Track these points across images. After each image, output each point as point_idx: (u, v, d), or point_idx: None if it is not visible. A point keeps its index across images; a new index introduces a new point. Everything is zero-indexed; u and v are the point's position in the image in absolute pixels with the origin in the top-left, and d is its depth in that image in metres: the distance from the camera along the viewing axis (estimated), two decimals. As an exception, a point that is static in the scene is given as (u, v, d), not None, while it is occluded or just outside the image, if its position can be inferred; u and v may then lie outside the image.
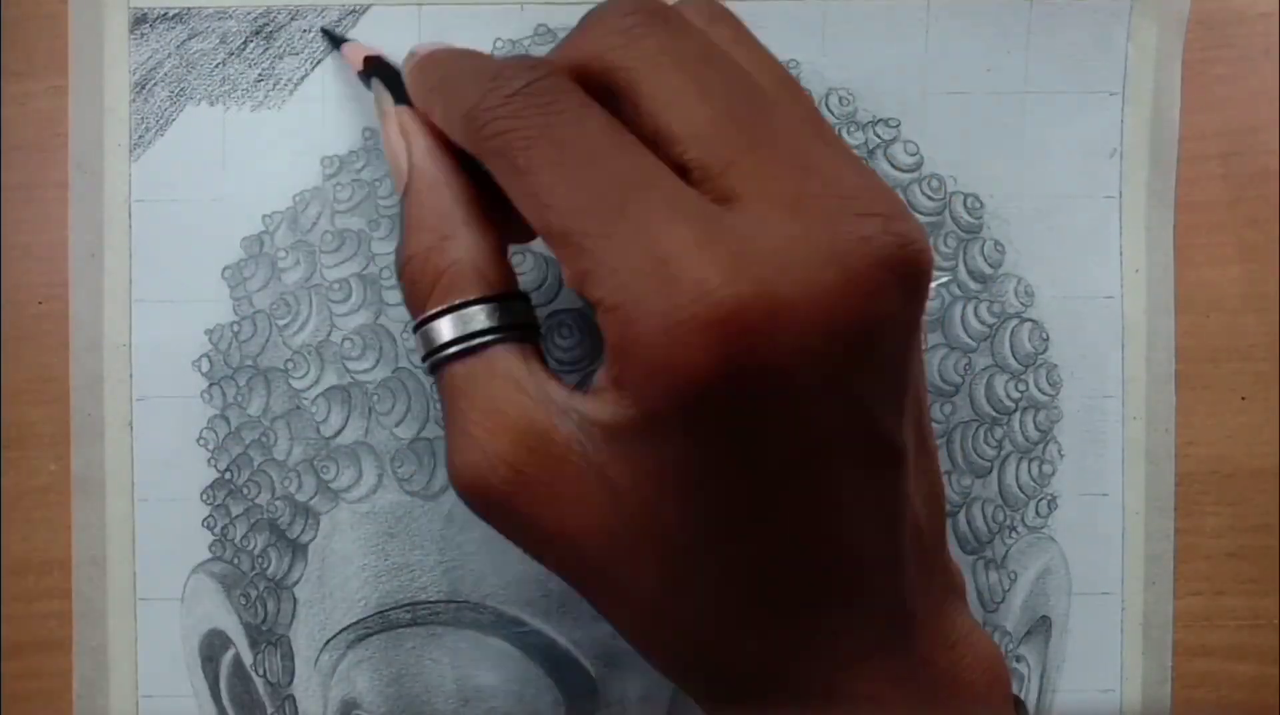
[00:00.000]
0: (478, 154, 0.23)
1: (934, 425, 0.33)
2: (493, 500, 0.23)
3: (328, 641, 0.33)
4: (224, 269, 0.33)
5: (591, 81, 0.22)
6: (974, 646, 0.25)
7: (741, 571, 0.22)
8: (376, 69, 0.29)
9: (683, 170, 0.21)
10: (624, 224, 0.20)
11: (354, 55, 0.31)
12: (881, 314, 0.20)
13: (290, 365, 0.33)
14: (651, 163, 0.21)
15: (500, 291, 0.24)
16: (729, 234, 0.20)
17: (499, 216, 0.25)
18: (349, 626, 0.33)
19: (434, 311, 0.24)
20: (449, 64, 0.26)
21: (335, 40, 0.33)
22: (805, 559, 0.22)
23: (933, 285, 0.33)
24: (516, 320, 0.24)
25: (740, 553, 0.22)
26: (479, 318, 0.24)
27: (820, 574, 0.22)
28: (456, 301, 0.24)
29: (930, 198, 0.34)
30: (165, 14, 0.33)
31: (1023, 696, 0.34)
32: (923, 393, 0.24)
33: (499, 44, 0.34)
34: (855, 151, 0.23)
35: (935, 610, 0.24)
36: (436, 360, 0.24)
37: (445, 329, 0.24)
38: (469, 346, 0.24)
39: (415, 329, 0.25)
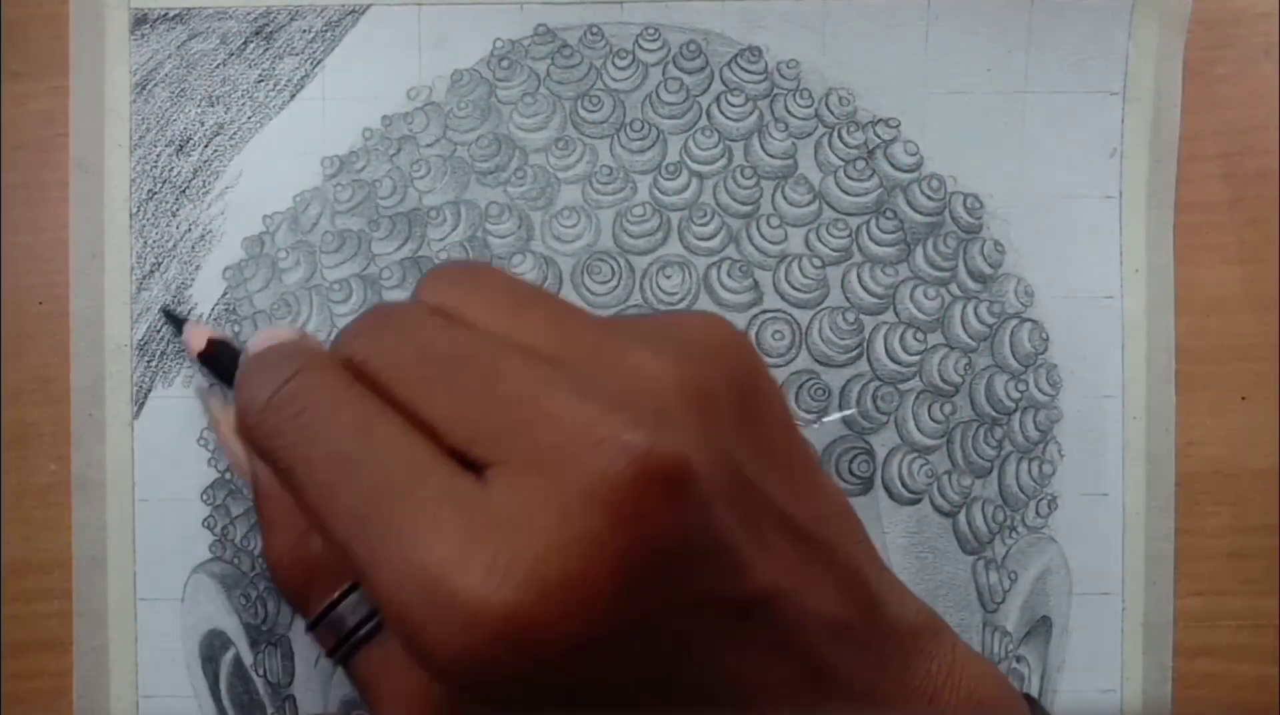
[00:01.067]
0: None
1: (934, 425, 0.33)
2: None
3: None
4: (224, 269, 0.33)
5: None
6: (970, 670, 0.25)
7: None
8: (215, 356, 0.29)
9: (456, 456, 0.21)
10: (389, 538, 0.20)
11: (194, 340, 0.30)
12: (661, 529, 0.20)
13: (290, 365, 0.33)
14: (408, 454, 0.21)
15: None
16: (487, 524, 0.20)
17: None
18: (349, 626, 0.33)
19: (318, 611, 0.24)
20: (248, 365, 0.26)
21: (175, 322, 0.32)
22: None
23: (835, 417, 0.33)
24: None
25: None
26: (361, 606, 0.24)
27: None
28: (334, 596, 0.24)
29: (930, 198, 0.34)
30: (166, 14, 0.33)
31: (1023, 697, 0.34)
32: (782, 487, 0.23)
33: (499, 44, 0.34)
34: (590, 344, 0.22)
35: (921, 663, 0.24)
36: (341, 654, 0.24)
37: (338, 624, 0.24)
38: (362, 634, 0.24)
39: (309, 630, 0.25)
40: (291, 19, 0.33)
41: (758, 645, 0.22)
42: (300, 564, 0.24)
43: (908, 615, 0.24)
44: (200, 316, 0.33)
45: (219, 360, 0.30)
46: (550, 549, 0.19)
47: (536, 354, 0.22)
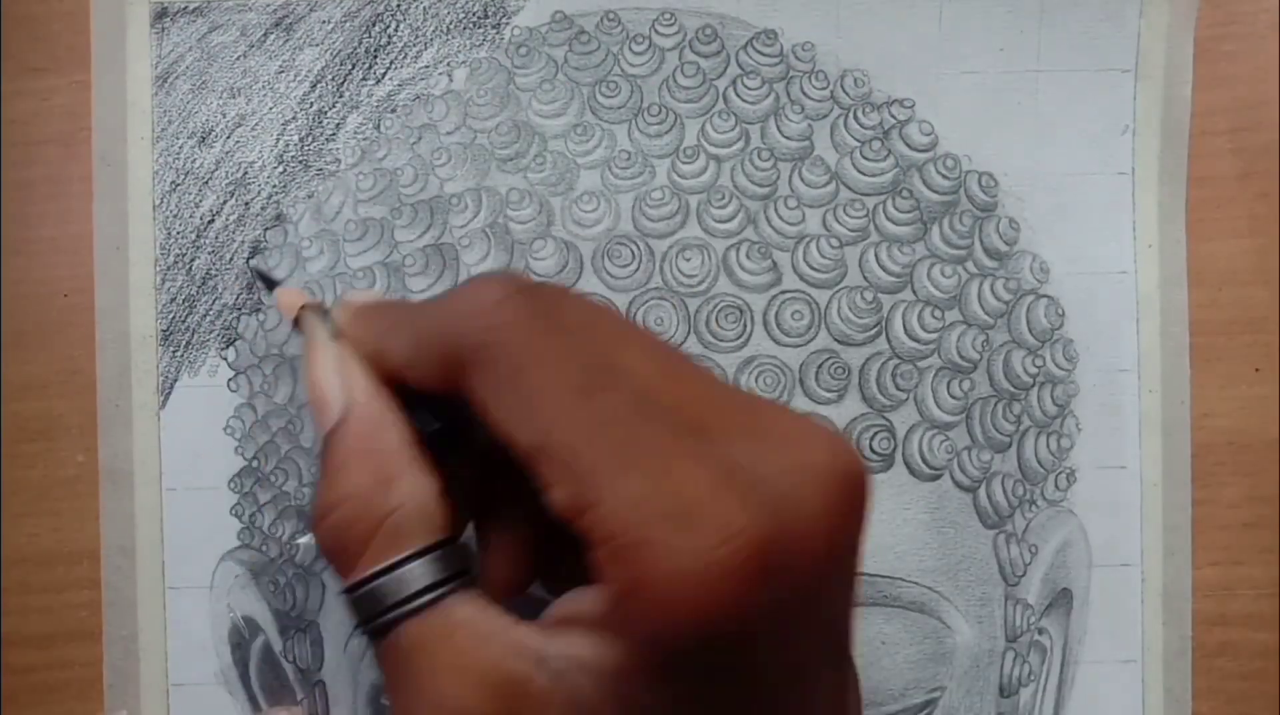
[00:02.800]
0: (464, 371, 0.22)
1: (953, 401, 0.33)
2: None
3: (357, 626, 0.33)
4: (249, 258, 0.34)
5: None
6: None
7: None
8: (308, 309, 0.28)
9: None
10: (640, 459, 0.20)
11: (287, 301, 0.28)
12: (861, 524, 0.21)
13: (316, 353, 0.33)
14: (646, 397, 0.21)
15: (450, 535, 0.23)
16: (738, 471, 0.20)
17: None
18: (378, 611, 0.33)
19: (382, 566, 0.22)
20: (399, 308, 0.25)
21: (268, 282, 0.31)
22: None
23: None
24: (463, 566, 0.23)
25: None
26: (428, 571, 0.22)
27: None
28: (405, 553, 0.22)
29: (945, 177, 0.34)
30: (186, 8, 0.34)
31: (1045, 670, 0.34)
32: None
33: (516, 32, 0.34)
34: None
35: None
36: (387, 620, 0.22)
37: (393, 587, 0.22)
38: (424, 601, 0.22)
39: (355, 589, 0.22)
40: (311, 10, 0.34)
41: (816, 697, 0.22)
42: (370, 510, 0.22)
43: None
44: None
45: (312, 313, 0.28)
46: (792, 494, 0.20)
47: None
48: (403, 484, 0.23)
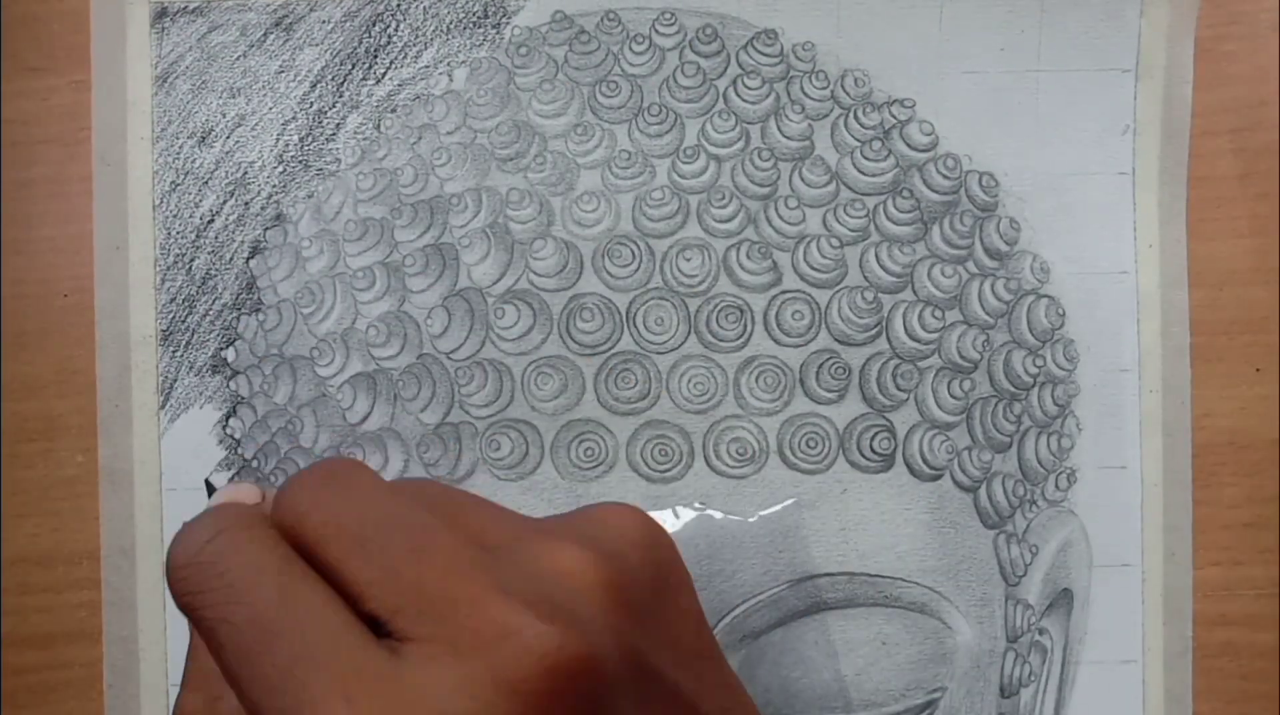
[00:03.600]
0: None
1: (954, 401, 0.33)
2: None
3: (357, 626, 0.33)
4: (249, 259, 0.34)
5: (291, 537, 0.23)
6: None
7: None
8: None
9: (373, 619, 0.22)
10: (303, 711, 0.20)
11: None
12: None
13: (315, 353, 0.33)
14: (327, 625, 0.21)
15: None
16: (399, 704, 0.20)
17: None
18: (378, 611, 0.33)
19: None
20: (184, 524, 0.25)
21: (210, 490, 0.32)
22: None
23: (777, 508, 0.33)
24: None
25: None
26: None
27: None
28: None
29: (946, 177, 0.34)
30: (186, 7, 0.34)
31: (1045, 670, 0.34)
32: (691, 631, 0.24)
33: (516, 32, 0.34)
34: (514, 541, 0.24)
35: None
36: None
37: None
38: None
39: None
40: (311, 10, 0.34)
41: None
42: None
43: None
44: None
45: None
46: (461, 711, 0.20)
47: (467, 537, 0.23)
48: (224, 704, 0.24)
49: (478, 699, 0.20)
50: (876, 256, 0.34)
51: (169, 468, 0.34)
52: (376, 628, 0.21)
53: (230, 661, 0.22)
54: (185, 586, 0.23)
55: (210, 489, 0.31)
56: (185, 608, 0.23)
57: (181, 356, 0.34)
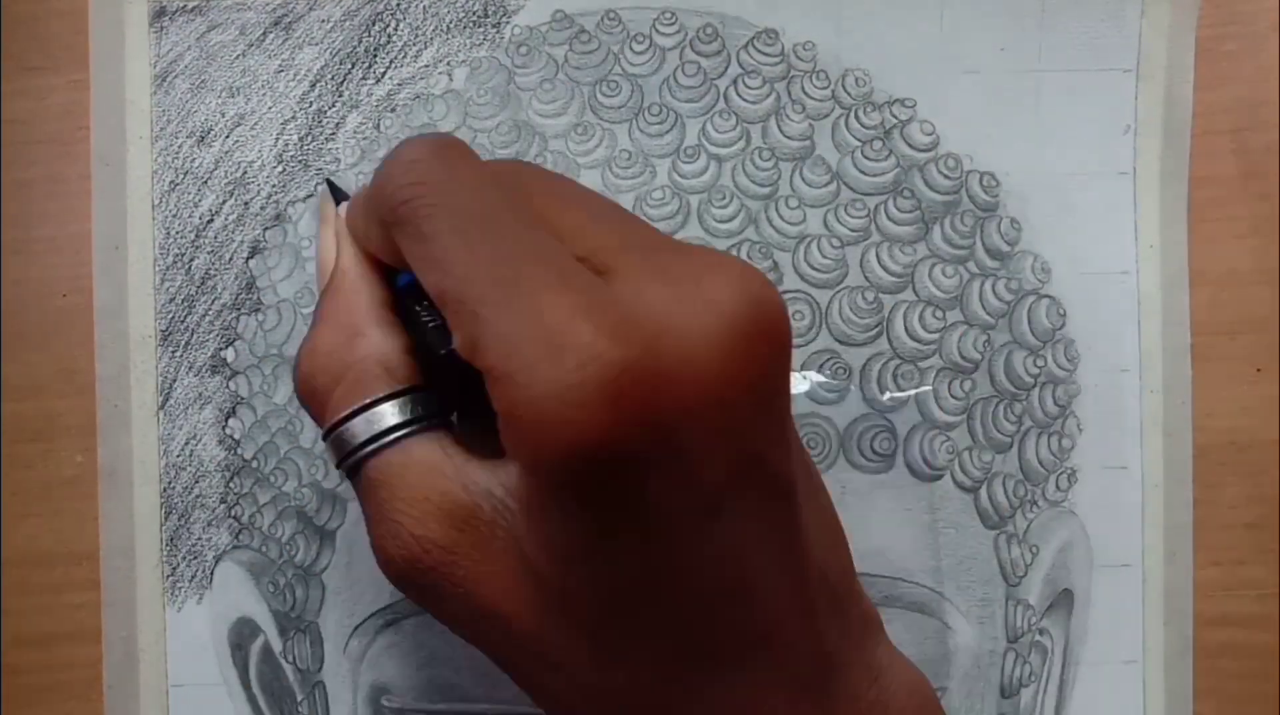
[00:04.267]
0: (391, 231, 0.24)
1: (954, 401, 0.33)
2: (426, 584, 0.23)
3: (356, 627, 0.33)
4: (249, 258, 0.34)
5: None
6: (898, 677, 0.25)
7: (663, 636, 0.22)
8: (331, 185, 0.30)
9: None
10: (516, 293, 0.21)
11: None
12: (757, 362, 0.21)
13: (315, 353, 0.33)
14: (543, 236, 0.22)
15: (407, 386, 0.24)
16: (612, 302, 0.20)
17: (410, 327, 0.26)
18: (378, 612, 0.33)
19: (346, 413, 0.24)
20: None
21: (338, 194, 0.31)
22: (721, 615, 0.22)
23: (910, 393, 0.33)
24: (429, 411, 0.24)
25: (657, 617, 0.22)
26: (390, 414, 0.24)
27: (738, 629, 0.22)
28: (366, 400, 0.24)
29: (947, 177, 0.34)
30: (185, 7, 0.34)
31: (1046, 671, 0.34)
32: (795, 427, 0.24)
33: (517, 31, 0.34)
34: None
35: (854, 647, 0.24)
36: (355, 460, 0.24)
37: (359, 429, 0.24)
38: (386, 441, 0.24)
39: (328, 433, 0.25)
40: (310, 9, 0.34)
41: (764, 552, 0.22)
42: (338, 364, 0.24)
43: (865, 599, 0.26)
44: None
45: (331, 189, 0.30)
46: (672, 326, 0.20)
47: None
48: (366, 341, 0.25)
49: (691, 317, 0.20)
50: (877, 256, 0.34)
51: (168, 468, 0.33)
52: None
53: (442, 246, 0.22)
54: (409, 177, 0.23)
55: (333, 187, 0.30)
56: (400, 200, 0.23)
57: (181, 356, 0.34)
